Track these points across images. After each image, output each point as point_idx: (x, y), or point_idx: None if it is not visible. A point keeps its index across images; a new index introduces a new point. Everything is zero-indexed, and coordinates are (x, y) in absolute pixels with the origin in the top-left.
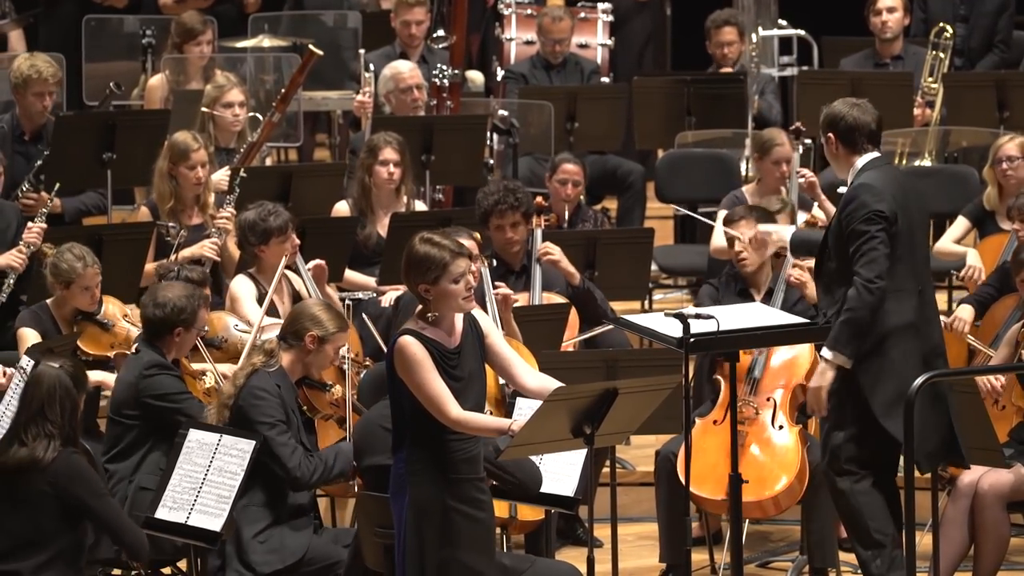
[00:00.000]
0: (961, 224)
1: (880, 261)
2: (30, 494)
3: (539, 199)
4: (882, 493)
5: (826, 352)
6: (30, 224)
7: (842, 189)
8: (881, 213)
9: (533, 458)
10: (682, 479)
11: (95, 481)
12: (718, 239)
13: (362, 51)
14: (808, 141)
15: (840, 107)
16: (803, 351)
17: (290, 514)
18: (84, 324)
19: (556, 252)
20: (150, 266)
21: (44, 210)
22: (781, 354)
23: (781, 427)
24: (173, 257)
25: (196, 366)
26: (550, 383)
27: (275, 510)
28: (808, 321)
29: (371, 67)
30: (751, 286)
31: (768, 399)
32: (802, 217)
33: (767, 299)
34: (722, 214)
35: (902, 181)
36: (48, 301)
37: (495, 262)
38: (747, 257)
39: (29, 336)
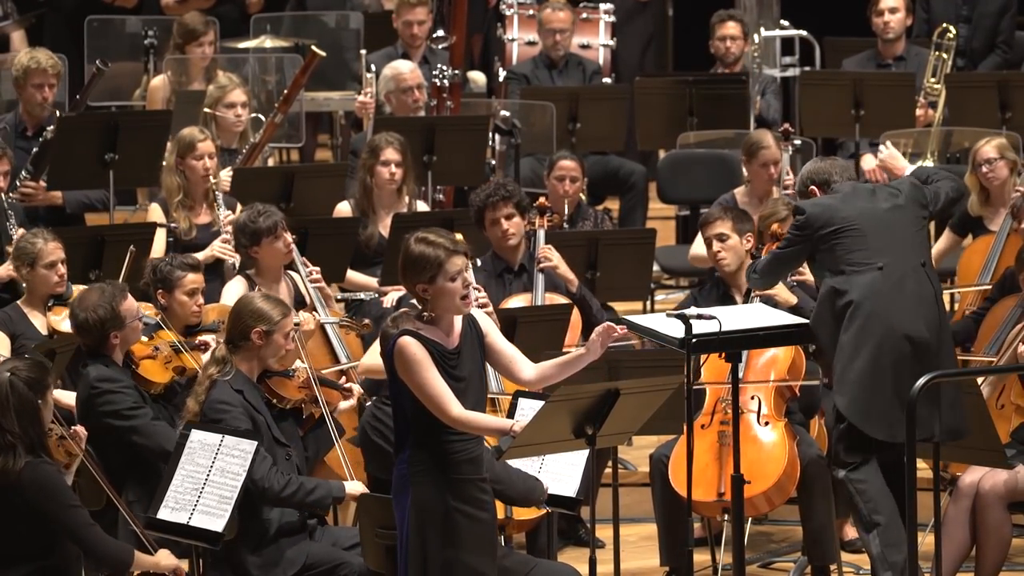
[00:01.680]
0: (946, 238)
1: (776, 265)
2: (7, 506)
3: (542, 199)
4: (877, 477)
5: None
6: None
7: None
8: (798, 222)
9: (535, 459)
10: (675, 485)
11: (63, 492)
12: (697, 247)
13: (364, 52)
14: (798, 142)
15: (811, 165)
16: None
17: (281, 529)
18: (58, 309)
19: (555, 258)
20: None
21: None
22: (761, 352)
23: (766, 423)
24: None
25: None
26: (549, 363)
27: (258, 523)
28: (809, 321)
29: (373, 68)
30: (732, 287)
31: (752, 397)
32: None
33: (746, 300)
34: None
35: (857, 192)
36: (18, 301)
37: (479, 262)
38: (726, 257)
39: None
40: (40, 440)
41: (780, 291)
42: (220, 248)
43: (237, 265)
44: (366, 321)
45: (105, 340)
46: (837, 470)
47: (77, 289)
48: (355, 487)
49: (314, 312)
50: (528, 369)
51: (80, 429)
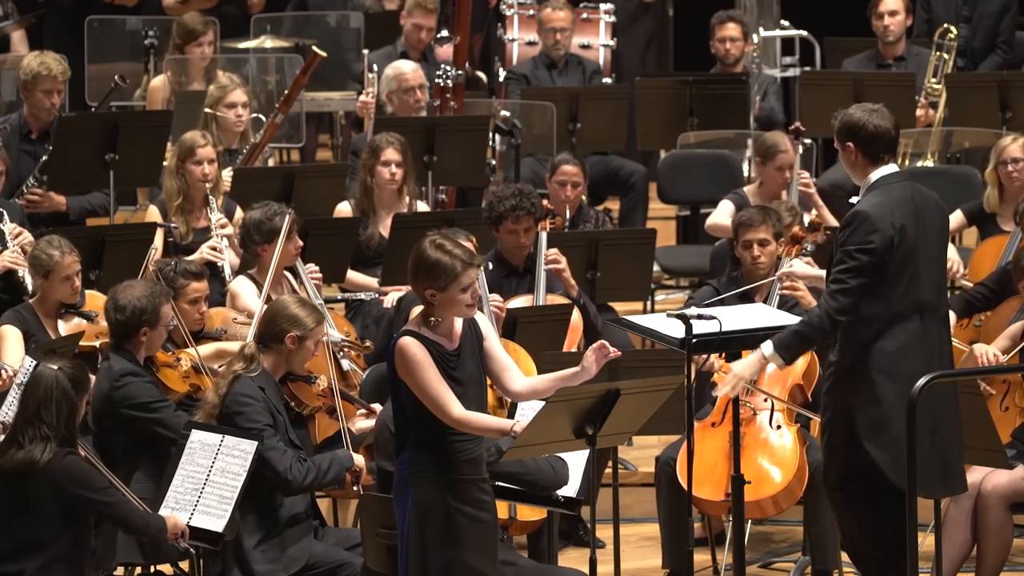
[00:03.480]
0: (955, 218)
1: (851, 295)
2: (30, 496)
3: (545, 202)
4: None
5: (766, 349)
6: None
7: (855, 199)
8: (870, 246)
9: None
10: (682, 482)
11: (93, 477)
12: (719, 217)
13: (365, 52)
14: (808, 141)
15: (860, 114)
16: None
17: (287, 524)
18: (69, 316)
19: (563, 263)
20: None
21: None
22: None
23: (779, 427)
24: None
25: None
26: (541, 378)
27: (269, 519)
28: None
29: (374, 68)
30: (754, 291)
31: (765, 399)
32: (806, 218)
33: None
34: (725, 206)
35: (915, 198)
36: (31, 300)
37: (491, 265)
38: (765, 262)
39: (10, 333)
40: (71, 438)
41: (804, 295)
42: (208, 253)
43: (227, 268)
44: (368, 343)
45: (134, 333)
46: (832, 494)
47: (90, 295)
48: (361, 458)
49: None
50: (519, 381)
51: None
